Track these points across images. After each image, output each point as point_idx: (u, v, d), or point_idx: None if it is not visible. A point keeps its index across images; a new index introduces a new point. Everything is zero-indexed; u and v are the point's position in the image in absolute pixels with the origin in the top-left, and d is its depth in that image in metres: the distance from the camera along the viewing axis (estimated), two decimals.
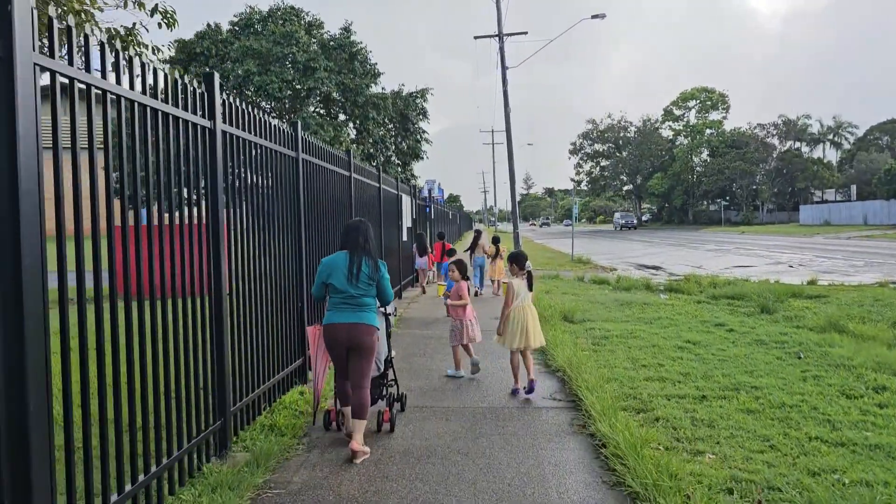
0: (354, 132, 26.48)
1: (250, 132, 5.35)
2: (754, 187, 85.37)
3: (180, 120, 4.18)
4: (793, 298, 12.89)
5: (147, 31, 8.02)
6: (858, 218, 57.25)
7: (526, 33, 33.52)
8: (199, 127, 4.45)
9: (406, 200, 15.52)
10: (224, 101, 4.83)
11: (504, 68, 33.55)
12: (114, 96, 3.41)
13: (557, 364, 7.13)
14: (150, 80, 3.77)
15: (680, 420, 5.29)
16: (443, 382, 6.90)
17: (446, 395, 6.36)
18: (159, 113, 3.89)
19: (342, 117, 26.24)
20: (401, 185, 14.98)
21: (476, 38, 33.39)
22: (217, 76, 4.69)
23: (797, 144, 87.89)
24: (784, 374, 6.74)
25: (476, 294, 14.59)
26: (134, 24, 7.67)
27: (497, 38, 33.39)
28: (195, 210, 4.47)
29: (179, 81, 4.16)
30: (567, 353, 7.32)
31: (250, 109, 5.45)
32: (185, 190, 4.31)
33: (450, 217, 38.93)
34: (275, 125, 5.97)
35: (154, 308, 3.80)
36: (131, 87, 3.54)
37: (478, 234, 15.81)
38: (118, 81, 3.44)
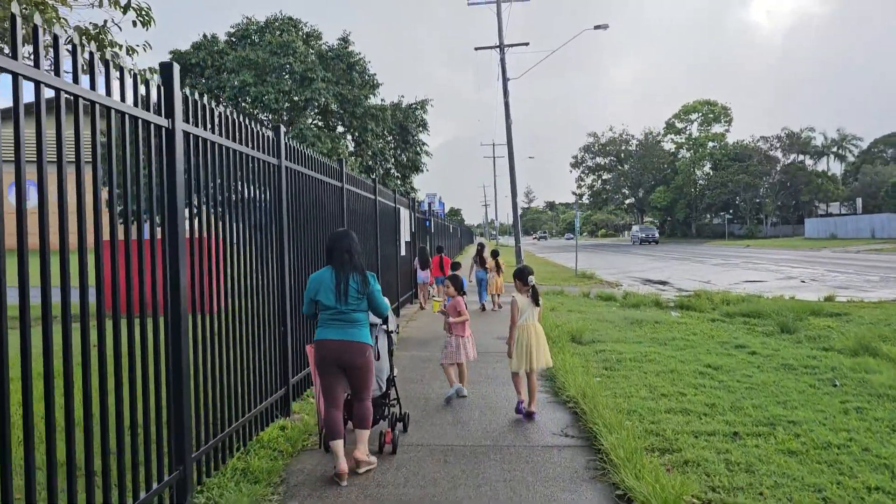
0: (353, 144, 25.89)
1: (220, 135, 4.71)
2: (758, 200, 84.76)
3: (127, 116, 3.53)
4: (813, 316, 12.19)
5: (120, 29, 7.37)
6: (865, 231, 56.51)
7: (527, 44, 33.01)
8: (153, 126, 3.81)
9: (404, 214, 14.88)
10: (186, 96, 4.20)
11: (505, 80, 33.04)
12: (52, 90, 2.79)
13: (568, 393, 6.43)
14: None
15: (713, 464, 4.59)
16: (442, 412, 6.21)
17: (445, 429, 5.67)
18: (107, 109, 3.25)
19: (340, 129, 25.67)
20: (399, 197, 14.35)
21: (477, 49, 32.89)
22: (177, 67, 4.07)
23: (801, 157, 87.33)
24: (822, 406, 6.04)
25: (483, 309, 14.36)
26: (105, 21, 7.07)
27: (498, 50, 32.93)
28: (151, 221, 3.84)
29: (129, 72, 3.52)
30: (578, 381, 6.63)
31: (230, 113, 4.83)
32: (136, 198, 3.66)
33: (450, 231, 38.31)
34: (252, 128, 5.33)
35: (86, 331, 3.13)
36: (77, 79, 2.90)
37: (481, 247, 15.55)
38: (57, 73, 2.82)
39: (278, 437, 5.35)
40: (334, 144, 22.22)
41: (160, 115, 3.91)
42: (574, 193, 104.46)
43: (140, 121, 3.66)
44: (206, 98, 4.47)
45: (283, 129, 6.02)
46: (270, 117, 23.64)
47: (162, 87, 3.95)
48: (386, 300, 4.90)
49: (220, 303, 4.62)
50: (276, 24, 25.26)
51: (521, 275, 6.11)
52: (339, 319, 4.59)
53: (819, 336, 10.14)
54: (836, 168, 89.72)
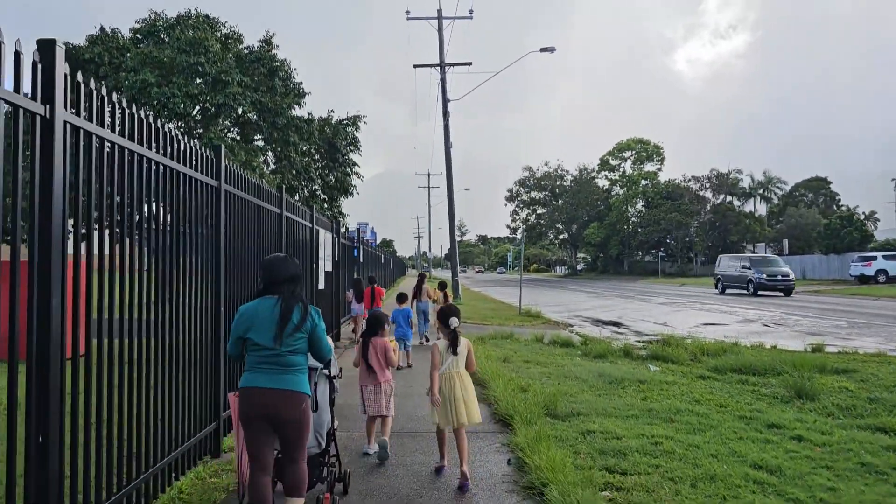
0: (273, 160, 22.94)
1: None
2: (688, 239, 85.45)
3: None
4: (819, 374, 10.02)
5: None
6: (796, 272, 56.60)
7: (469, 64, 31.06)
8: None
9: (325, 237, 12.10)
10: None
11: (445, 100, 30.89)
12: None
13: None
14: None
15: None
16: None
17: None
18: None
19: (260, 143, 22.66)
20: (318, 216, 11.58)
21: (416, 66, 30.68)
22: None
23: (729, 198, 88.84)
24: None
25: (421, 343, 13.45)
26: None
27: (438, 69, 30.75)
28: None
29: None
30: (581, 500, 4.01)
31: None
32: None
33: (382, 261, 35.46)
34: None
35: None
36: None
37: (421, 277, 14.86)
38: None
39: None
40: (249, 157, 19.21)
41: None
42: (508, 227, 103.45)
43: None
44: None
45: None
46: (177, 125, 20.46)
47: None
48: (329, 340, 4.19)
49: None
50: (190, 21, 22.19)
51: (443, 316, 5.33)
52: (272, 363, 3.87)
53: (852, 406, 7.88)
54: (762, 209, 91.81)
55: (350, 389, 7.25)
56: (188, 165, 4.86)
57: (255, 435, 3.83)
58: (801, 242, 74.15)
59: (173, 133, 4.48)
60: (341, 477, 4.80)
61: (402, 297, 11.74)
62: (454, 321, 5.23)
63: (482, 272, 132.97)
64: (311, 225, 10.60)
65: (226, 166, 5.53)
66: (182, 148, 4.72)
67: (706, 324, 20.20)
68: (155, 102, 19.23)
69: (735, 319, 21.58)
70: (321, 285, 11.69)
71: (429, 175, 73.62)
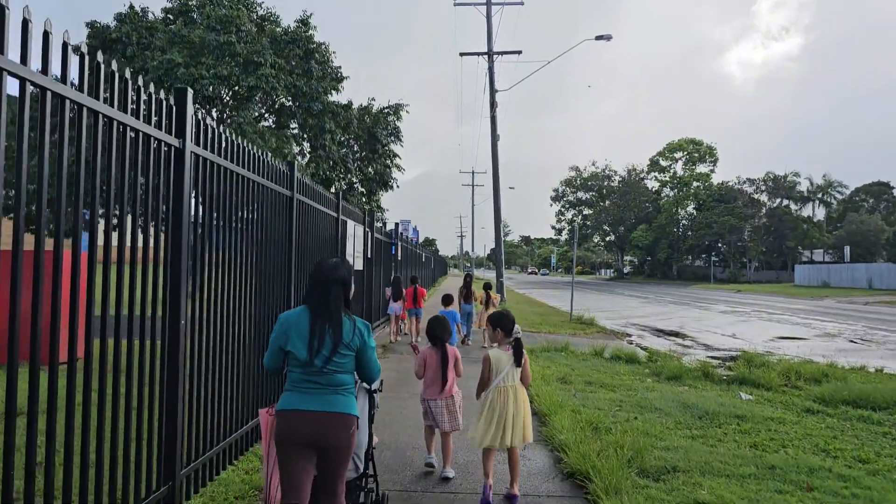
0: (309, 150, 21.47)
1: None
2: (741, 244, 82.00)
3: None
4: None
5: None
6: (861, 281, 53.26)
7: (520, 52, 29.21)
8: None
9: (354, 230, 10.48)
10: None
11: (493, 90, 29.12)
12: None
13: None
14: None
15: None
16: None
17: None
18: None
19: (295, 130, 21.18)
20: (346, 206, 9.97)
21: (462, 54, 29.00)
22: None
23: (785, 202, 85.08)
24: None
25: (463, 342, 13.21)
26: None
27: (486, 57, 29.01)
28: None
29: None
30: None
31: None
32: None
33: (423, 260, 33.81)
34: None
35: None
36: None
37: (468, 277, 14.41)
38: None
39: None
40: (280, 144, 17.73)
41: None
42: (553, 227, 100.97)
43: None
44: None
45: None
46: (206, 109, 19.14)
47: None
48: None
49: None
50: (224, 0, 20.90)
51: (502, 322, 4.79)
52: (315, 381, 3.33)
53: None
54: (820, 214, 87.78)
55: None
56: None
57: (296, 464, 3.31)
58: (862, 250, 70.35)
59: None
60: (379, 499, 4.27)
61: (447, 299, 11.12)
62: (518, 329, 4.80)
63: (536, 273, 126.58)
64: (336, 214, 8.96)
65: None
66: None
67: (782, 337, 18.03)
68: (181, 84, 17.91)
69: (813, 333, 19.31)
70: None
71: (473, 173, 71.79)
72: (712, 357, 14.03)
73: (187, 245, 4.14)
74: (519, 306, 26.66)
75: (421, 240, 78.09)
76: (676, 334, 18.76)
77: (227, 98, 19.35)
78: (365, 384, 3.95)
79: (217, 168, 4.63)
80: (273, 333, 3.45)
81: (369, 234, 12.87)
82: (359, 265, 11.29)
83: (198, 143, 4.27)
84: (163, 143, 3.81)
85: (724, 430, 6.78)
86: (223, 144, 4.71)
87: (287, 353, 3.39)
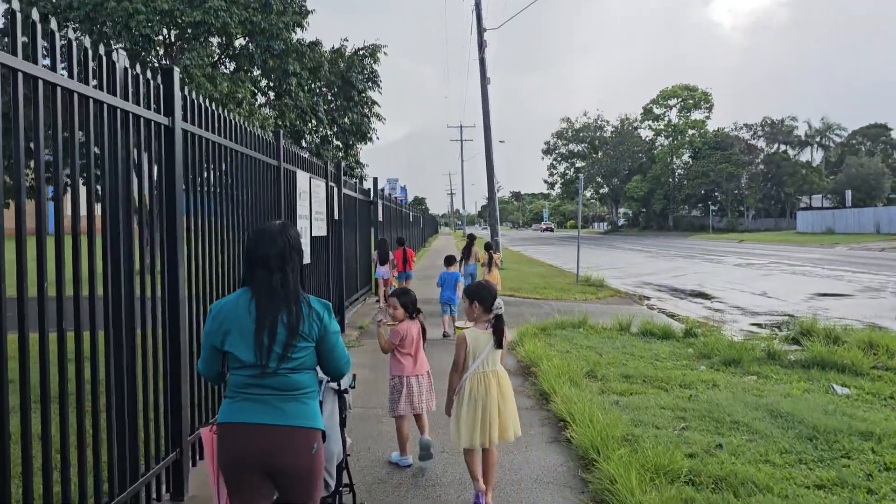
0: (273, 96, 18.74)
1: None
2: (738, 192, 79.86)
3: None
4: None
5: None
6: (869, 226, 51.21)
7: None
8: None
9: (310, 184, 7.98)
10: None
11: (481, 29, 26.44)
12: None
13: None
14: None
15: None
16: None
17: None
18: None
19: (258, 73, 18.41)
20: (296, 152, 7.49)
21: None
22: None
23: (783, 147, 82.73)
24: None
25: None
26: None
27: None
28: None
29: None
30: None
31: None
32: None
33: (410, 220, 31.32)
34: None
35: None
36: None
37: (471, 238, 13.89)
38: None
39: None
40: (233, 88, 15.05)
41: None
42: (546, 182, 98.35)
43: None
44: None
45: None
46: (144, 54, 16.35)
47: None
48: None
49: None
50: None
51: (481, 294, 4.00)
52: (266, 385, 2.52)
53: None
54: (818, 158, 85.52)
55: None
56: None
57: (245, 492, 2.53)
58: (862, 194, 68.19)
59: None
60: None
61: (450, 260, 10.44)
62: (500, 304, 3.96)
63: (552, 230, 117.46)
64: (276, 162, 6.47)
65: None
66: None
67: (821, 294, 15.82)
68: (112, 24, 15.09)
69: (853, 288, 17.09)
70: (305, 258, 7.63)
71: (461, 127, 68.92)
72: (756, 325, 11.78)
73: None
74: (517, 266, 24.33)
75: (410, 199, 75.46)
76: (700, 294, 16.50)
77: (171, 38, 16.56)
78: (332, 383, 3.22)
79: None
80: (205, 328, 2.64)
81: (337, 190, 10.39)
82: (321, 230, 8.83)
83: None
84: None
85: (863, 467, 4.47)
86: None
87: (226, 354, 2.58)
